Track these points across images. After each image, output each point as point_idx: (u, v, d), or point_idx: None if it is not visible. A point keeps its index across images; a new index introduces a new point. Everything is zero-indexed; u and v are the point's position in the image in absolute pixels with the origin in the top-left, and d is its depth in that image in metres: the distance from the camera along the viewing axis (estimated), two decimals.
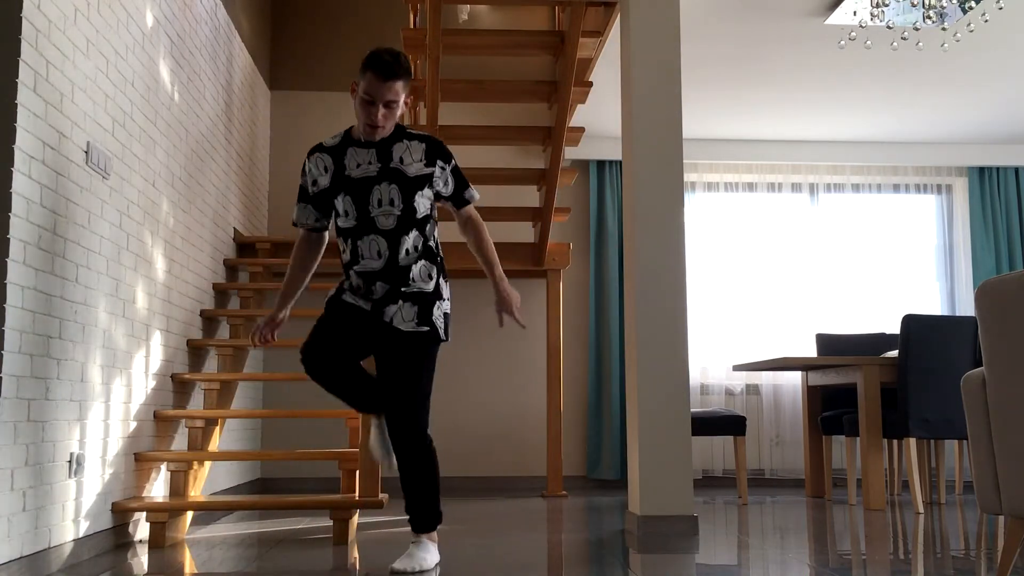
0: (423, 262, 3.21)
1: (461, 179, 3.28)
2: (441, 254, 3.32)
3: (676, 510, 4.04)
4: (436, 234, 3.29)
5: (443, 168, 3.22)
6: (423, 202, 3.18)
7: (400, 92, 3.09)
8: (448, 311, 3.27)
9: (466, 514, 4.88)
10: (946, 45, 4.80)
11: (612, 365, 6.60)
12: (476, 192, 3.33)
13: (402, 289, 3.18)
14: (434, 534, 3.26)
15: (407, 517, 3.41)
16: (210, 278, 5.14)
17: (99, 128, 3.58)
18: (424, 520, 3.23)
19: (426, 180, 3.18)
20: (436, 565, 3.22)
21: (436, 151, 3.22)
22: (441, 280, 3.26)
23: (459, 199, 3.29)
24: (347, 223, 3.18)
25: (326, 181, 3.19)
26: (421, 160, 3.18)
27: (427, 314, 3.17)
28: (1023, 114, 6.45)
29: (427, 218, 3.23)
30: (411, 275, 3.18)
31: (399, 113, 3.15)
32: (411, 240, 3.17)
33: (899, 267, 7.13)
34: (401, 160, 3.16)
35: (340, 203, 3.17)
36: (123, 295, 3.83)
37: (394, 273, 3.18)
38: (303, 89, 6.69)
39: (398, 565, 3.09)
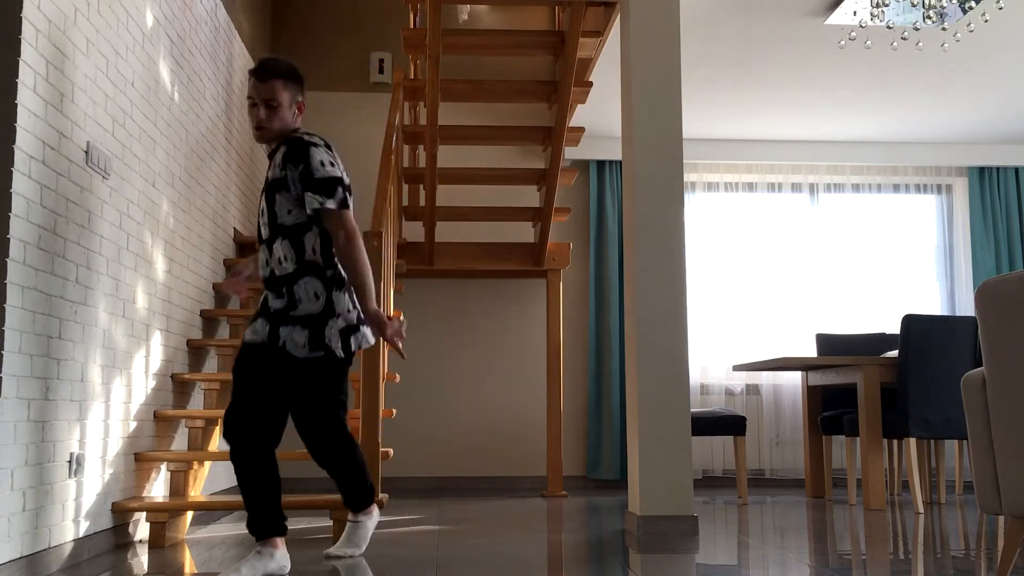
0: (307, 279, 3.11)
1: (309, 184, 3.08)
2: (335, 266, 3.16)
3: (676, 510, 4.04)
4: (317, 245, 3.13)
5: (292, 170, 3.10)
6: (285, 208, 3.11)
7: (280, 91, 3.14)
8: (344, 325, 3.14)
9: (466, 514, 4.88)
10: (946, 45, 4.80)
11: (612, 365, 6.60)
12: (330, 201, 3.08)
13: (290, 313, 3.09)
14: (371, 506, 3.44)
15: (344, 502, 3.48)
16: (210, 278, 5.14)
17: (99, 128, 3.58)
18: (359, 498, 3.41)
19: (281, 184, 3.11)
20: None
21: (291, 154, 3.12)
22: (333, 295, 3.13)
23: (306, 205, 3.10)
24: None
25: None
26: (279, 164, 3.14)
27: (319, 337, 3.09)
28: (1023, 114, 6.45)
29: (300, 227, 3.11)
30: (296, 296, 3.10)
31: (286, 115, 3.17)
32: (281, 250, 3.11)
33: (899, 267, 7.13)
34: (269, 167, 3.19)
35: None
36: (123, 295, 3.83)
37: (274, 285, 3.14)
38: None
39: (336, 551, 3.37)
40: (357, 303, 3.20)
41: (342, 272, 3.17)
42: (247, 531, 3.26)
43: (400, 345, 3.17)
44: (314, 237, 3.13)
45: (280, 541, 3.07)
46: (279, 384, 3.12)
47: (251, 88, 3.16)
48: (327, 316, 3.11)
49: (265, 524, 3.05)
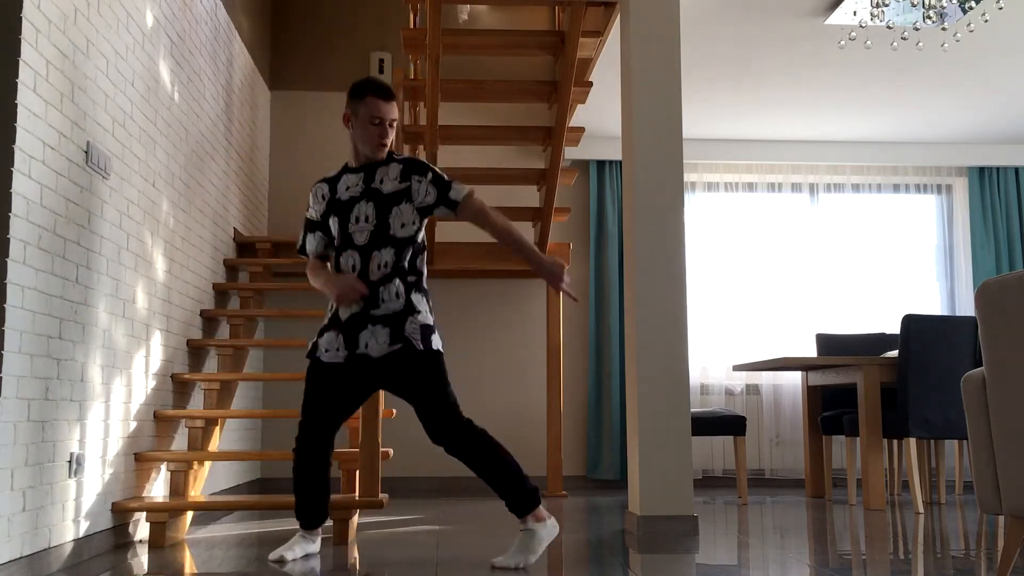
0: (396, 280, 3.30)
1: (443, 183, 3.36)
2: (421, 279, 3.37)
3: (676, 510, 4.04)
4: (419, 263, 3.37)
5: (419, 180, 3.36)
6: (399, 220, 3.32)
7: (395, 112, 3.43)
8: (426, 322, 3.30)
9: (466, 514, 4.88)
10: (946, 45, 4.80)
11: (612, 365, 6.60)
12: (464, 187, 3.38)
13: (371, 312, 3.29)
14: (540, 511, 3.25)
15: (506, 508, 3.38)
16: (210, 278, 5.14)
17: (99, 128, 3.58)
18: (520, 502, 3.24)
19: (402, 196, 3.34)
20: (549, 540, 3.27)
21: (411, 168, 3.39)
22: (414, 296, 3.32)
23: (447, 201, 3.36)
24: (335, 242, 3.40)
25: (322, 208, 3.44)
26: (396, 178, 3.36)
27: (399, 331, 3.27)
28: (1023, 114, 6.45)
29: (408, 240, 3.33)
30: (380, 296, 3.29)
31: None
32: (384, 256, 3.30)
33: (899, 267, 7.13)
34: (381, 181, 3.37)
35: (332, 225, 3.41)
36: (123, 295, 3.83)
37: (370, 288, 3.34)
38: (303, 89, 6.69)
39: (503, 561, 3.19)
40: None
41: (423, 279, 3.40)
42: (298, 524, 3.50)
43: (570, 292, 3.38)
44: (418, 254, 3.38)
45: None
46: (369, 388, 3.40)
47: (374, 107, 3.36)
48: (408, 313, 3.29)
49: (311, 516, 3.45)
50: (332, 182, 3.46)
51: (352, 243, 3.33)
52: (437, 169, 3.41)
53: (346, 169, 3.46)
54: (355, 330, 3.29)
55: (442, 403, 3.24)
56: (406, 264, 3.33)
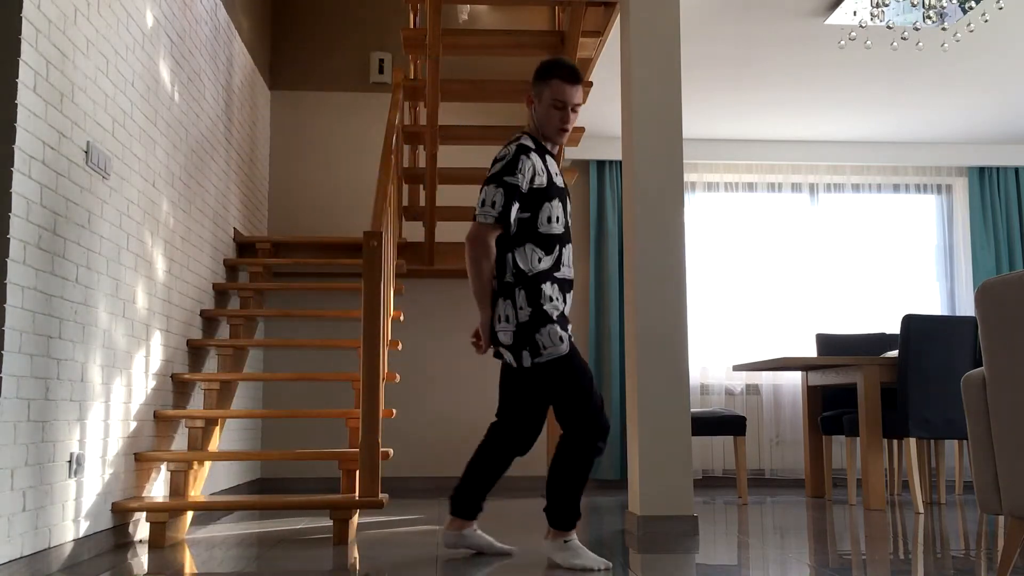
0: None
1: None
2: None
3: (676, 510, 4.04)
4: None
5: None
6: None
7: (580, 96, 3.34)
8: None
9: None
10: (946, 45, 4.80)
11: (612, 365, 6.60)
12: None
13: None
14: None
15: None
16: (210, 278, 5.14)
17: (99, 128, 3.58)
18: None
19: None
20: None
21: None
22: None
23: None
24: (556, 229, 3.28)
25: (543, 181, 3.26)
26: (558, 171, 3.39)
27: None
28: (1023, 114, 6.45)
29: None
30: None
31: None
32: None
33: (899, 267, 7.13)
34: (558, 171, 3.38)
35: (552, 207, 3.28)
36: (123, 295, 3.83)
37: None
38: (303, 89, 6.69)
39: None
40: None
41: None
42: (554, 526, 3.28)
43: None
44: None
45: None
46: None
47: (558, 90, 3.28)
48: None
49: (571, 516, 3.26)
50: (541, 156, 3.31)
51: (570, 237, 3.35)
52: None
53: (542, 147, 3.35)
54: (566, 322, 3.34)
55: None
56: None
